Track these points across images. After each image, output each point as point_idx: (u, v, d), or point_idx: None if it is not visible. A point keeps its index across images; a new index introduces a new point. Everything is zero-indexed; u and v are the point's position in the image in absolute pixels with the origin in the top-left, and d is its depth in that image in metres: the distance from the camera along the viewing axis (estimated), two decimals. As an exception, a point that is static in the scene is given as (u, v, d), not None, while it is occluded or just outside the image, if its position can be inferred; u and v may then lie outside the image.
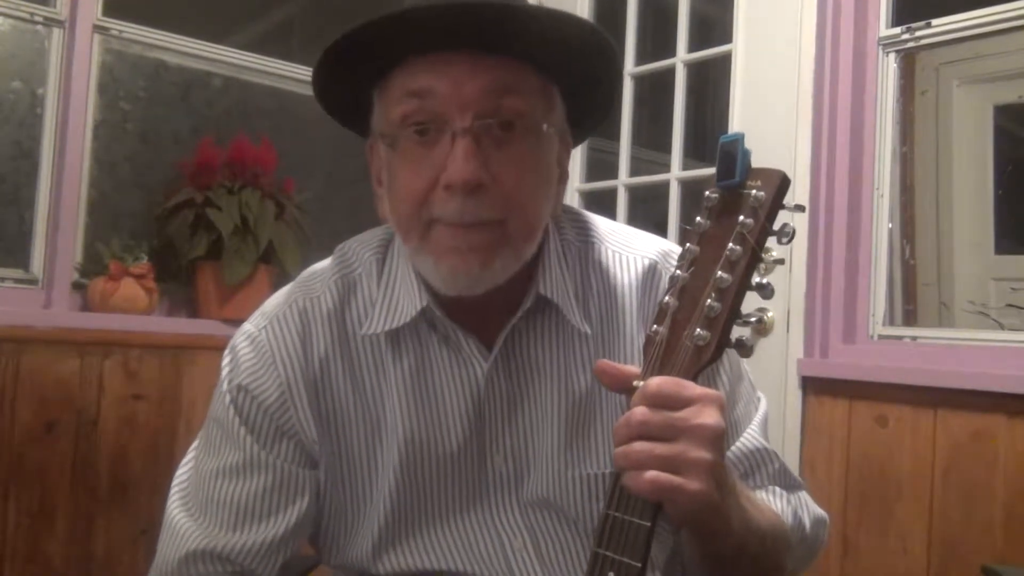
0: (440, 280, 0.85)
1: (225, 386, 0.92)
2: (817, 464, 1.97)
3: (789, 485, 0.97)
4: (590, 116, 0.96)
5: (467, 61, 0.81)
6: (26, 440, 1.98)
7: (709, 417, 0.68)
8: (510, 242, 0.84)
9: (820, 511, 0.98)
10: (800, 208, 0.73)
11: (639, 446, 0.68)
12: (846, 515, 1.92)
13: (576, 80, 0.88)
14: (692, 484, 0.66)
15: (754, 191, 0.71)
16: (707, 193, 0.74)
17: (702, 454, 0.67)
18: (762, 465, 0.94)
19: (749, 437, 0.94)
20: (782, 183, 0.72)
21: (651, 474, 0.66)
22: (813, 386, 2.00)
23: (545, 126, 0.85)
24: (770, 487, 0.95)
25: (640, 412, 0.68)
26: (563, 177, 0.93)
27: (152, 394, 2.15)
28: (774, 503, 0.92)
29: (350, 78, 0.87)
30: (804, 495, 0.98)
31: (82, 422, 2.05)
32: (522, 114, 0.83)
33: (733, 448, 0.93)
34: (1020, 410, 1.68)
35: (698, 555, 0.81)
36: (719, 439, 0.68)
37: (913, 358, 1.91)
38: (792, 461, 1.98)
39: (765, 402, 0.99)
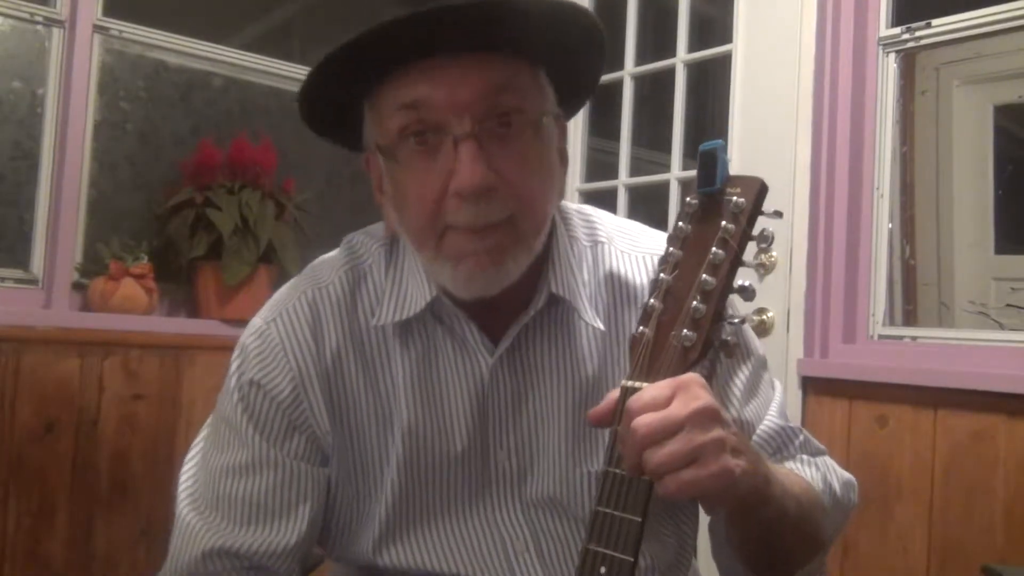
0: (458, 285, 0.85)
1: (234, 381, 0.92)
2: (817, 464, 1.97)
3: (813, 451, 0.98)
4: (580, 90, 0.95)
5: (457, 64, 0.80)
6: (26, 440, 1.98)
7: (695, 399, 0.68)
8: (522, 239, 0.84)
9: (846, 474, 0.99)
10: (778, 214, 0.76)
11: (662, 449, 0.66)
12: (846, 515, 1.92)
13: (562, 59, 0.88)
14: (712, 465, 0.66)
15: (734, 197, 0.74)
16: (688, 199, 0.78)
17: (711, 434, 0.67)
18: (788, 442, 0.96)
19: (769, 421, 0.95)
20: (761, 190, 0.75)
21: (687, 473, 0.66)
22: (813, 386, 2.00)
23: (543, 117, 0.85)
24: (798, 456, 0.96)
25: (640, 422, 0.67)
26: (564, 160, 0.93)
27: (152, 394, 2.15)
28: (803, 471, 0.93)
29: (336, 95, 0.86)
30: (828, 459, 0.99)
31: (82, 422, 2.05)
32: (520, 109, 0.83)
33: (757, 433, 0.94)
34: (1020, 410, 1.68)
35: (740, 534, 0.82)
36: (717, 413, 0.68)
37: (913, 358, 1.91)
38: (792, 461, 1.99)
39: (780, 386, 1.00)
